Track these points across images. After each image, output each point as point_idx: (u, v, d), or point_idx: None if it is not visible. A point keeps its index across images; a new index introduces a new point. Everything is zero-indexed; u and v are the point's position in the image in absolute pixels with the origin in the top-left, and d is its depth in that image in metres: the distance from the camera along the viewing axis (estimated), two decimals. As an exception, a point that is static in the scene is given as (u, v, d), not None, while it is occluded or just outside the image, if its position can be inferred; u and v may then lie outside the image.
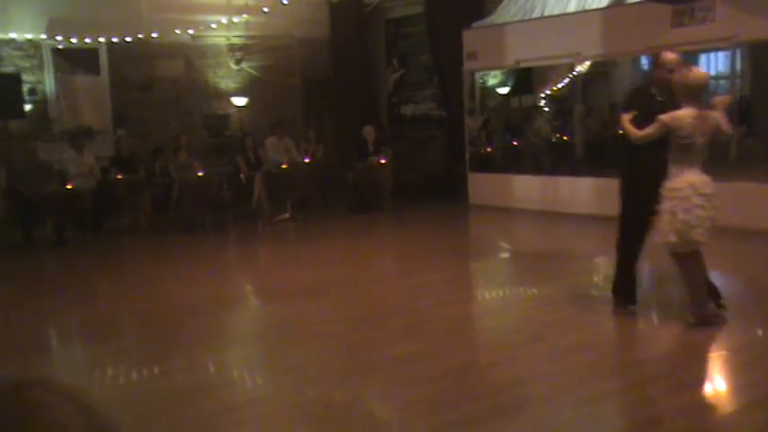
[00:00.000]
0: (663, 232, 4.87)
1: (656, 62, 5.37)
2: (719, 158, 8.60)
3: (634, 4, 9.73)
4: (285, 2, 12.10)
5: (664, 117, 4.78)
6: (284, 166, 11.69)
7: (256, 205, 11.54)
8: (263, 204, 11.47)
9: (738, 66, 13.59)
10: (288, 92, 14.24)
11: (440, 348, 5.10)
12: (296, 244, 10.42)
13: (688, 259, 4.95)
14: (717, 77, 14.83)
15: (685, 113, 4.77)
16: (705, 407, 4.10)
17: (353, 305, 6.48)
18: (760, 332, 5.19)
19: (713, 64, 14.85)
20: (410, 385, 4.40)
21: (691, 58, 14.03)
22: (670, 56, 5.21)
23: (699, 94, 4.89)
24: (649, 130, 4.86)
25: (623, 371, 4.44)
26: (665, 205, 4.82)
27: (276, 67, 14.03)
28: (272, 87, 13.99)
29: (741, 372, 4.54)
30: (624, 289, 5.53)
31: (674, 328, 5.33)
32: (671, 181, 4.83)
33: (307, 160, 12.51)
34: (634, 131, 4.97)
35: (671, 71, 5.04)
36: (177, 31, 12.66)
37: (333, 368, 4.84)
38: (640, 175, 5.20)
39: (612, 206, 9.88)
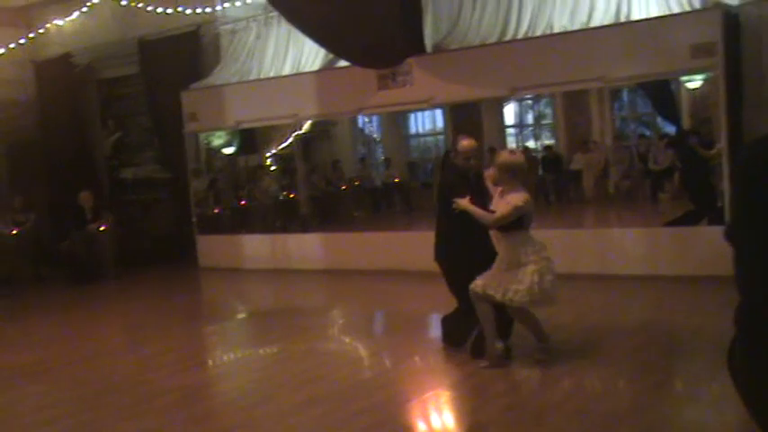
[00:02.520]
0: (524, 291, 5.06)
1: (454, 150, 5.58)
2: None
3: (344, 67, 10.33)
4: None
5: (519, 202, 5.00)
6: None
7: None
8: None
9: (441, 123, 14.98)
10: (-11, 158, 12.97)
11: (170, 422, 4.87)
12: (4, 324, 9.37)
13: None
14: (426, 135, 16.36)
15: (526, 195, 5.09)
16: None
17: (74, 385, 5.97)
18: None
19: (420, 122, 16.35)
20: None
21: (399, 117, 15.37)
22: (467, 143, 5.47)
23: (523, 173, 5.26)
24: (505, 213, 5.03)
25: (349, 421, 4.58)
26: (532, 267, 5.05)
27: (-26, 132, 12.74)
28: (-30, 154, 12.66)
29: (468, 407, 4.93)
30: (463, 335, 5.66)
31: (407, 371, 5.64)
32: (531, 247, 5.12)
33: (14, 231, 11.50)
34: (488, 216, 5.13)
35: (469, 158, 5.41)
36: None
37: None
38: (464, 243, 5.41)
39: (339, 260, 10.42)
